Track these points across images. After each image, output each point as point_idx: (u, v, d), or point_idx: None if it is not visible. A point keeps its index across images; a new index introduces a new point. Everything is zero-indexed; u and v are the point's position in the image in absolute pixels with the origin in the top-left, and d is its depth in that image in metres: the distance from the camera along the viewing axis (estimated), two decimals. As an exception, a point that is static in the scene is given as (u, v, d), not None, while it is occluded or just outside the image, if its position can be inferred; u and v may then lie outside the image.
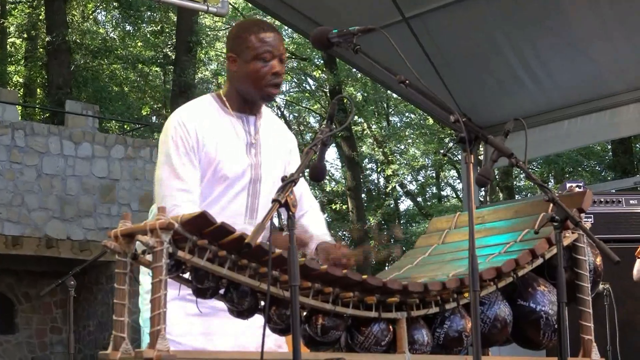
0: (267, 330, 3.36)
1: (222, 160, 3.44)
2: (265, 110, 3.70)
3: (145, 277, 3.29)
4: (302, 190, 3.70)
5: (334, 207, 29.18)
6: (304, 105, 31.79)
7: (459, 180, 30.90)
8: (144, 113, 27.89)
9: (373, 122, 29.78)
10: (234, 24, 4.01)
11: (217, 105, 3.56)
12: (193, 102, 3.61)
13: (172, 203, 3.32)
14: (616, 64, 7.62)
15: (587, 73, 7.82)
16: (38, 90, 26.75)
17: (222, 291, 2.82)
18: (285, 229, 2.54)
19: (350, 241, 26.08)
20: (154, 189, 3.48)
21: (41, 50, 25.57)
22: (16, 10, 26.75)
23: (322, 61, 26.68)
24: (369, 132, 29.70)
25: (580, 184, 6.74)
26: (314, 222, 3.67)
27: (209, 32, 28.75)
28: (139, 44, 27.92)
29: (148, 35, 28.10)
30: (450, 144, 26.54)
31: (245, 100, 3.56)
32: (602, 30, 7.34)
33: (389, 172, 27.58)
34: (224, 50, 3.71)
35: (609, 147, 25.25)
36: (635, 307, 6.36)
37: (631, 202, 7.08)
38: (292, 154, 3.74)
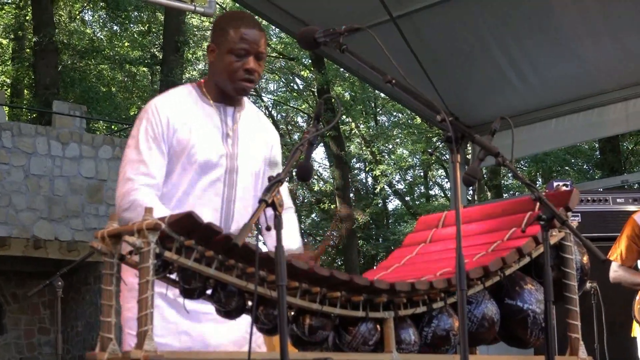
0: (244, 331, 3.39)
1: (196, 144, 3.47)
2: (248, 104, 3.74)
3: (127, 274, 3.21)
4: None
5: (322, 207, 29.18)
6: (291, 105, 31.78)
7: (447, 180, 30.98)
8: (132, 113, 27.81)
9: (361, 122, 29.78)
10: (220, 14, 4.05)
11: (196, 94, 3.61)
12: (172, 90, 3.67)
13: (131, 186, 3.37)
14: (603, 63, 7.64)
15: (574, 72, 7.84)
16: (25, 90, 26.67)
17: (209, 291, 2.82)
18: (272, 228, 2.54)
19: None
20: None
21: (28, 50, 25.50)
22: (3, 10, 26.66)
23: (309, 61, 26.67)
24: (357, 132, 29.71)
25: (568, 183, 6.75)
26: (287, 225, 3.71)
27: (196, 32, 28.76)
28: (127, 44, 27.89)
29: (135, 36, 28.07)
30: (438, 143, 26.58)
31: (222, 92, 3.59)
32: (588, 29, 7.36)
33: (378, 172, 27.58)
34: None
35: (597, 145, 25.30)
36: (623, 305, 6.37)
37: (618, 200, 7.10)
38: (273, 149, 3.77)
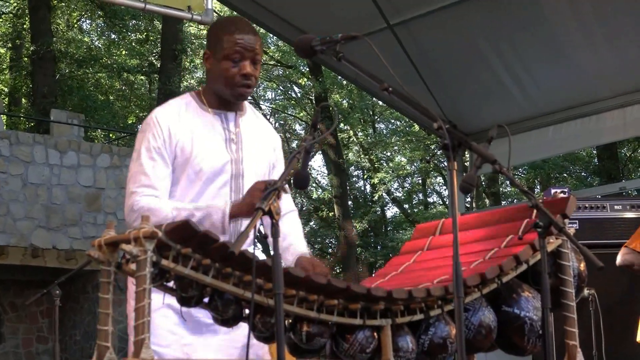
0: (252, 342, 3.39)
1: (198, 154, 3.47)
2: (248, 108, 3.75)
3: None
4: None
5: (320, 215, 29.16)
6: (289, 113, 31.80)
7: (445, 187, 30.95)
8: (130, 122, 27.85)
9: (359, 130, 29.80)
10: (215, 21, 4.06)
11: (195, 103, 3.60)
12: (172, 100, 3.66)
13: (134, 199, 3.39)
14: (600, 70, 7.65)
15: (571, 79, 7.84)
16: (23, 99, 26.67)
17: (206, 299, 2.81)
18: (269, 236, 2.54)
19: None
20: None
21: (26, 59, 25.51)
22: (0, 19, 26.67)
23: (307, 69, 26.69)
24: (355, 140, 29.72)
25: (565, 190, 6.74)
26: (292, 228, 3.70)
27: (194, 40, 28.77)
28: (124, 52, 27.89)
29: (133, 44, 28.07)
30: (436, 151, 26.61)
31: (221, 98, 3.59)
32: (585, 37, 7.37)
33: (376, 180, 27.60)
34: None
35: (594, 152, 25.33)
36: (620, 312, 6.37)
37: (616, 207, 7.09)
38: (276, 152, 3.77)
